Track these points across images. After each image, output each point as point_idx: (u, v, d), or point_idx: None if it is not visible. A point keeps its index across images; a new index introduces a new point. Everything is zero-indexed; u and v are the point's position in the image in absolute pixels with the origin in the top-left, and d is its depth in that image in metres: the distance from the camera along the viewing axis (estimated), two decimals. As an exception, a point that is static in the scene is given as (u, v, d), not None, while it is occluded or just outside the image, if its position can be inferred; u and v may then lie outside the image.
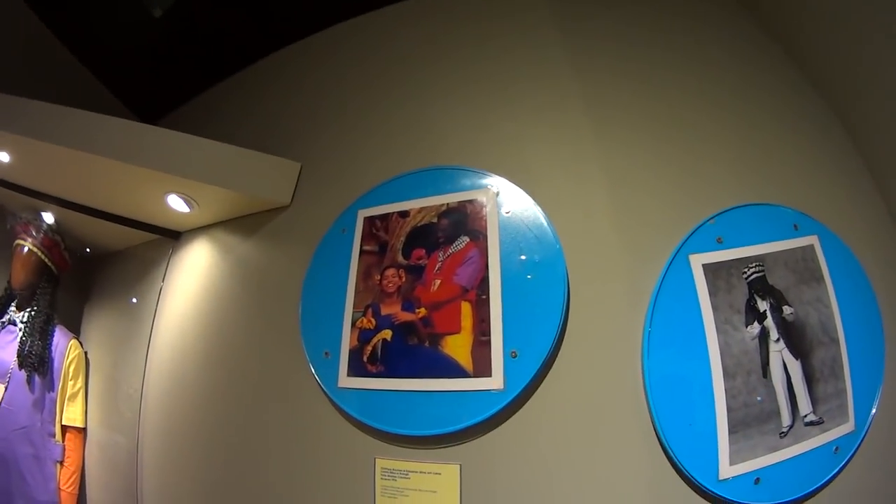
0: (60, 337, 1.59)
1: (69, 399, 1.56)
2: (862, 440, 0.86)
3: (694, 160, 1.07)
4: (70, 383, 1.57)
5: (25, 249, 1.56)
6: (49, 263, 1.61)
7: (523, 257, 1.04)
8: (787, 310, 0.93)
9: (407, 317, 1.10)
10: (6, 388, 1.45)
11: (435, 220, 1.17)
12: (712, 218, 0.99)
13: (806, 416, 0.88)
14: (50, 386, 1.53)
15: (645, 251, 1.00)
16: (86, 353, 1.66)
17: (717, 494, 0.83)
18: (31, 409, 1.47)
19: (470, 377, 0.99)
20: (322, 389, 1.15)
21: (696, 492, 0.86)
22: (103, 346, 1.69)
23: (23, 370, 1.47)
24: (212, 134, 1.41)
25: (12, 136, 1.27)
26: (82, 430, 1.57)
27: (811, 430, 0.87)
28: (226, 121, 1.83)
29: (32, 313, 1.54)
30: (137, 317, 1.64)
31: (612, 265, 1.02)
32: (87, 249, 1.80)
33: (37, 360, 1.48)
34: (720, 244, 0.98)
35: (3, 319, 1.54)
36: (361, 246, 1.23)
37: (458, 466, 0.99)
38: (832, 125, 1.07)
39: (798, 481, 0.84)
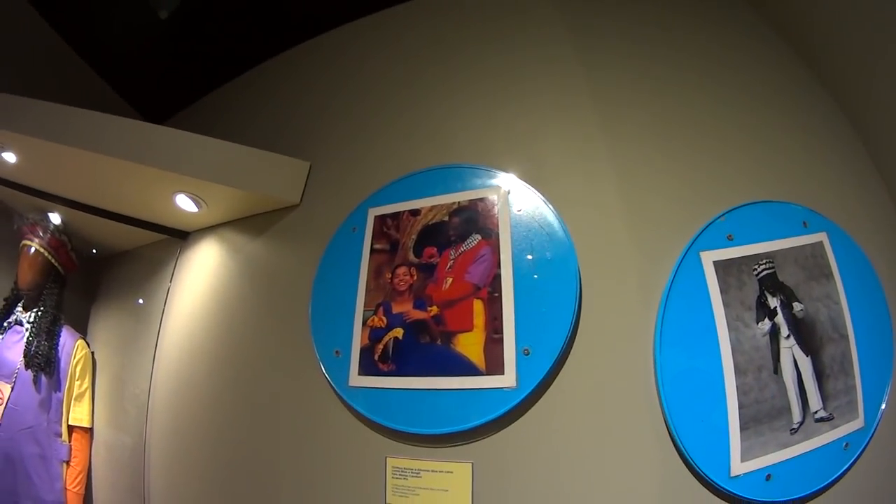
0: (67, 337, 1.59)
1: (76, 399, 1.56)
2: (871, 436, 0.87)
3: (704, 158, 1.08)
4: (77, 383, 1.57)
5: (32, 250, 1.56)
6: (56, 264, 1.61)
7: (535, 255, 1.05)
8: (797, 306, 0.94)
9: (419, 315, 1.10)
10: (13, 388, 1.45)
11: (446, 218, 1.17)
12: (723, 215, 1.00)
13: (816, 412, 0.88)
14: (56, 386, 1.53)
15: (656, 248, 1.01)
16: (92, 353, 1.66)
17: (728, 491, 0.83)
18: (37, 409, 1.47)
19: (482, 375, 0.99)
20: (332, 388, 1.15)
21: (707, 488, 0.86)
22: (110, 346, 1.69)
23: (29, 370, 1.47)
24: (220, 134, 1.41)
25: (20, 136, 1.27)
26: (89, 430, 1.57)
27: (821, 427, 0.87)
28: (234, 121, 1.84)
29: (39, 314, 1.55)
30: (145, 317, 1.64)
31: (624, 262, 1.02)
32: (94, 251, 1.80)
33: (43, 361, 1.48)
34: (731, 241, 0.98)
35: (10, 320, 1.55)
36: (372, 244, 1.23)
37: (471, 465, 0.99)
38: (840, 122, 1.08)
39: (809, 478, 0.84)
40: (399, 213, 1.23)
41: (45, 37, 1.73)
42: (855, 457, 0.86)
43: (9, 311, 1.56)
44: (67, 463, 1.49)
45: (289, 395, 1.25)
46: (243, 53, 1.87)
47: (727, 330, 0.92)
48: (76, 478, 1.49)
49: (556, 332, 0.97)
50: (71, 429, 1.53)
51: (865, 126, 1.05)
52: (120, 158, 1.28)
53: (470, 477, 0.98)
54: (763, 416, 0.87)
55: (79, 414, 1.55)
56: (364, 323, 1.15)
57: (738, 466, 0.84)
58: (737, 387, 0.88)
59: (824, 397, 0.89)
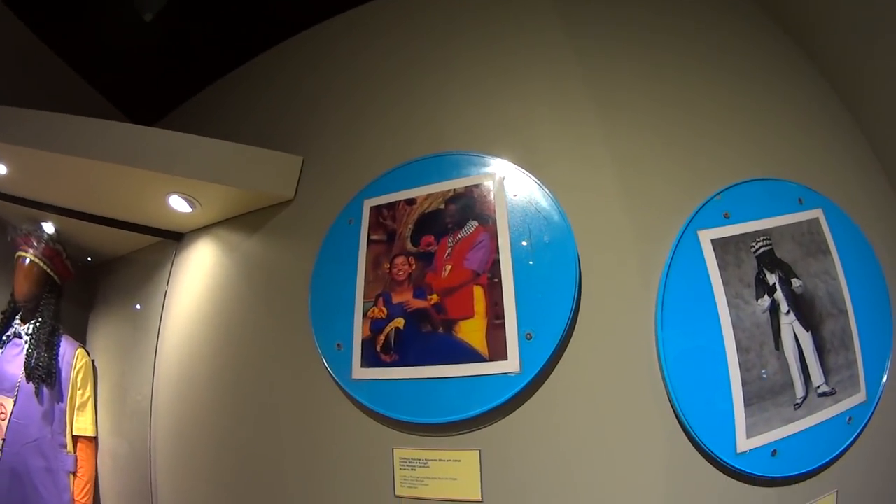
0: (67, 347, 1.58)
1: (79, 408, 1.55)
2: (874, 410, 0.88)
3: (698, 138, 1.08)
4: (79, 392, 1.56)
5: (27, 261, 1.55)
6: (51, 274, 1.59)
7: (533, 239, 1.04)
8: (795, 282, 0.94)
9: (419, 304, 1.10)
10: (15, 402, 1.44)
11: (442, 206, 1.17)
12: (718, 193, 1.00)
13: (819, 387, 0.89)
14: (59, 397, 1.51)
15: (653, 228, 1.01)
16: (93, 361, 1.64)
17: (736, 468, 0.84)
18: (41, 421, 1.46)
19: (486, 361, 0.99)
20: (336, 382, 1.15)
21: (715, 466, 0.86)
22: (110, 353, 1.68)
23: (30, 383, 1.45)
24: (211, 133, 1.40)
25: (8, 146, 1.25)
26: (93, 440, 1.56)
27: (824, 402, 0.88)
28: (226, 118, 1.82)
29: (37, 325, 1.53)
30: (143, 321, 1.63)
31: (622, 243, 1.02)
32: (89, 258, 1.78)
33: (44, 372, 1.47)
34: (727, 219, 0.99)
35: (9, 333, 1.53)
36: (369, 235, 1.22)
37: (478, 452, 0.99)
38: (833, 100, 1.09)
39: (814, 452, 0.85)
40: (395, 202, 1.23)
41: (28, 44, 1.70)
42: (858, 430, 0.87)
43: (7, 324, 1.54)
44: (74, 474, 1.48)
45: (292, 392, 1.25)
46: (232, 50, 1.85)
47: (727, 307, 0.92)
48: (83, 488, 1.48)
49: (558, 315, 0.97)
50: (75, 439, 1.52)
51: (858, 103, 1.05)
52: (111, 163, 1.27)
53: (478, 464, 0.98)
54: (766, 393, 0.88)
55: (82, 423, 1.54)
56: (364, 315, 1.15)
57: (744, 443, 0.85)
58: (739, 364, 0.89)
59: (826, 372, 0.89)
